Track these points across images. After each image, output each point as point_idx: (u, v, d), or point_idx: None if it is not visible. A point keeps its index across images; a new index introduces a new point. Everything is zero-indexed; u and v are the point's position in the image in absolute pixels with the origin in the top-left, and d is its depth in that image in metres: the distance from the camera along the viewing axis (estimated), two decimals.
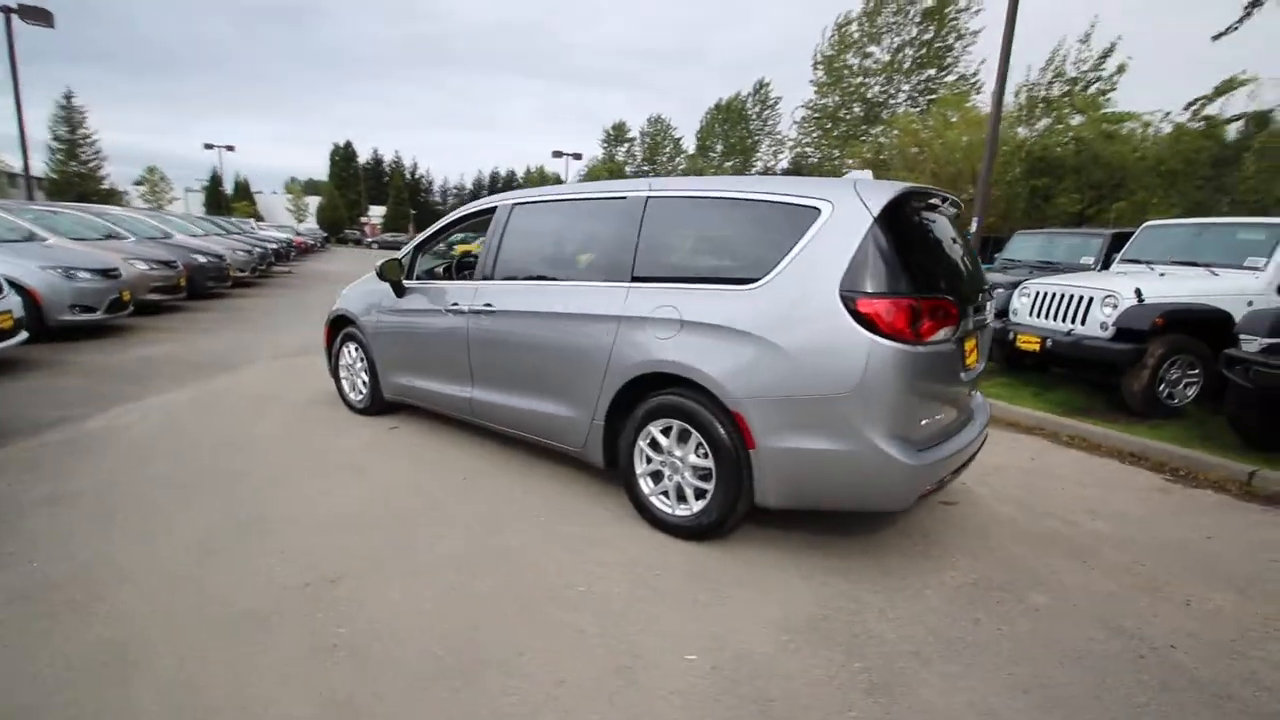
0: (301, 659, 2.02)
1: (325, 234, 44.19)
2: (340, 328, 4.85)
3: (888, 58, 33.21)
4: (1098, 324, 5.34)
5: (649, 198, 3.08)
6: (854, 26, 33.35)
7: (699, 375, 2.71)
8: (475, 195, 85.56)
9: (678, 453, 2.89)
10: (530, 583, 2.52)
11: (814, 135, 37.03)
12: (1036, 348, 5.68)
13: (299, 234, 32.50)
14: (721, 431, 2.69)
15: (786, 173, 50.01)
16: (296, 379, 5.81)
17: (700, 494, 2.85)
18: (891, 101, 33.35)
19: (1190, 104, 18.50)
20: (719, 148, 56.94)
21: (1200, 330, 5.12)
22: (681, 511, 2.91)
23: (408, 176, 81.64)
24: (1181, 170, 16.60)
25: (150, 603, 2.30)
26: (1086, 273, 6.69)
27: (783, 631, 2.26)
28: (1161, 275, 5.70)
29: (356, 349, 4.70)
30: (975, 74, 31.59)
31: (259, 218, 42.98)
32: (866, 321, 2.39)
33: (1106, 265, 7.38)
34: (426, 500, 3.26)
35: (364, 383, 4.70)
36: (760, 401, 2.57)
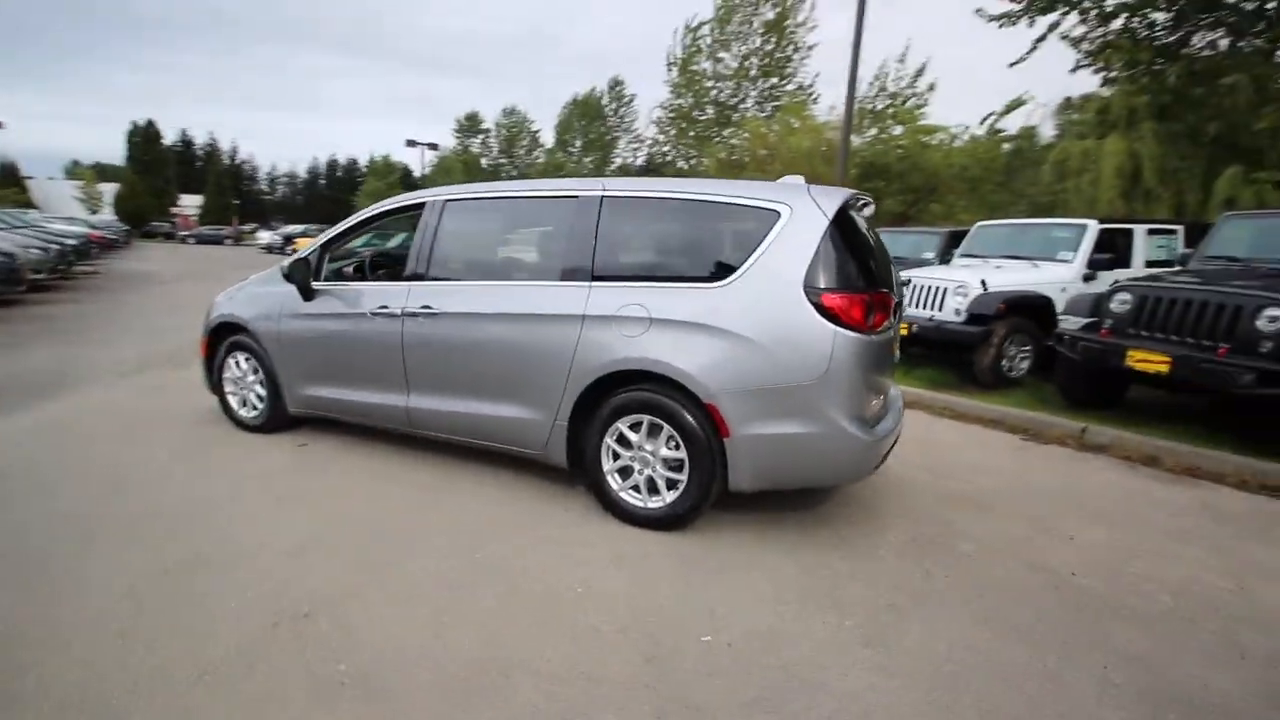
0: (309, 701, 1.85)
1: (127, 227, 37.92)
2: (223, 337, 4.30)
3: (736, 64, 35.27)
4: (953, 310, 6.20)
5: (604, 197, 3.11)
6: (705, 30, 35.01)
7: (672, 370, 2.80)
8: (312, 184, 78.18)
9: (648, 447, 2.97)
10: (529, 590, 2.47)
11: (671, 135, 38.40)
12: (906, 332, 6.47)
13: (94, 227, 27.62)
14: (694, 423, 2.82)
15: (643, 169, 51.55)
16: (160, 397, 5.07)
17: (672, 485, 2.96)
18: (741, 106, 35.43)
19: (984, 119, 21.78)
20: (578, 143, 57.09)
21: (1030, 313, 6.14)
22: (654, 504, 3.00)
23: (227, 162, 72.66)
24: (980, 176, 19.48)
25: (95, 668, 1.96)
26: (937, 266, 7.69)
27: (777, 603, 2.44)
28: (998, 268, 6.74)
29: (248, 360, 4.21)
30: (811, 85, 34.58)
31: (31, 207, 35.86)
32: (830, 314, 2.64)
33: (944, 260, 8.53)
34: (382, 521, 3.05)
35: (259, 397, 4.23)
36: (734, 392, 2.72)
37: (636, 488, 3.04)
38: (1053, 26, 11.09)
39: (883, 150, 20.74)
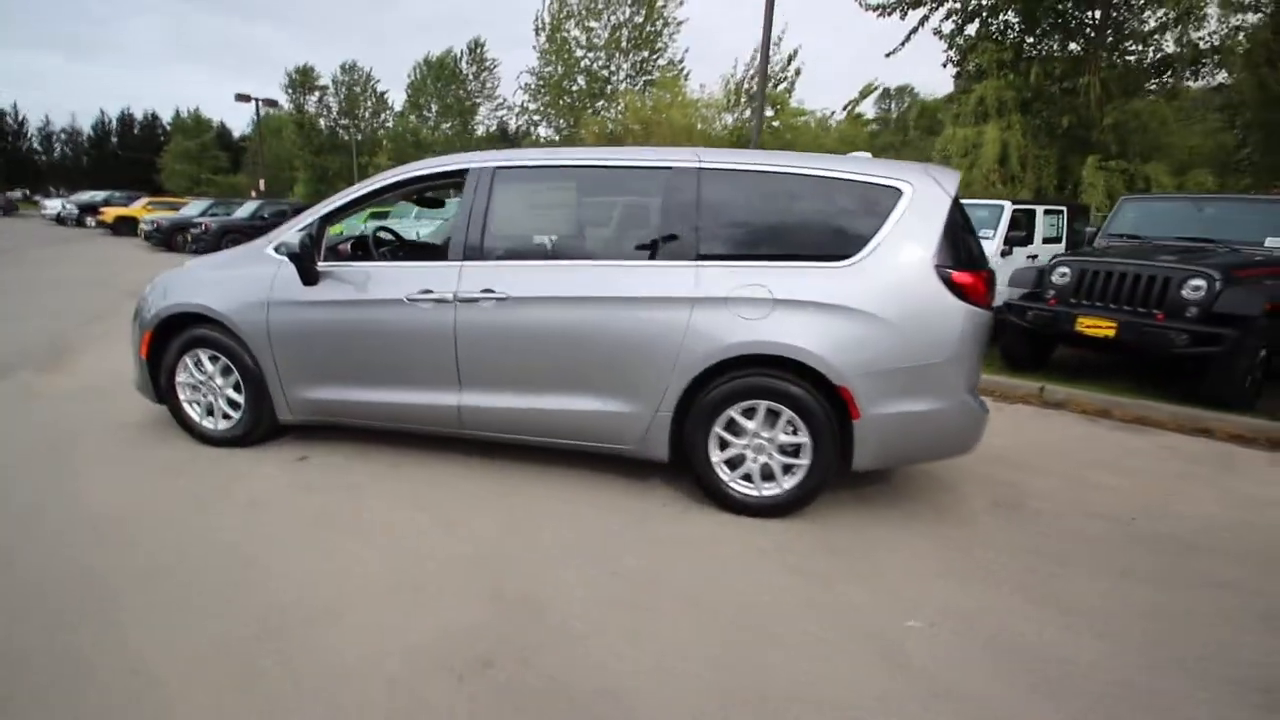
0: None
1: None
2: (175, 332, 3.47)
3: (607, 34, 34.74)
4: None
5: (702, 169, 2.89)
6: None
7: (802, 354, 2.70)
8: (100, 143, 65.53)
9: (765, 434, 2.86)
10: (706, 604, 2.28)
11: (541, 104, 37.12)
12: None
13: None
14: (819, 407, 2.75)
15: (502, 138, 49.49)
16: (49, 410, 4.01)
17: (788, 470, 2.88)
18: (615, 78, 35.09)
19: (846, 104, 23.62)
20: (434, 107, 53.35)
21: None
22: (769, 491, 2.90)
23: None
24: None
25: None
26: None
27: (951, 578, 2.48)
28: None
29: (214, 359, 3.44)
30: (682, 61, 35.06)
31: None
32: (960, 291, 2.68)
33: None
34: (477, 546, 2.65)
35: (231, 404, 3.48)
36: (866, 374, 2.69)
37: (749, 476, 2.92)
38: (923, 20, 12.15)
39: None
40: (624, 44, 35.56)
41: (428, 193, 3.93)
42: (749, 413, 2.86)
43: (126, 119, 65.75)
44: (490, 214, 3.06)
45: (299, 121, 53.07)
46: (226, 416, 3.52)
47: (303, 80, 54.74)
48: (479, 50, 50.63)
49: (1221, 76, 12.00)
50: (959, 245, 2.75)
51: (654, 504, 3.04)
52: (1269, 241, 5.45)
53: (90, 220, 26.02)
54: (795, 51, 24.24)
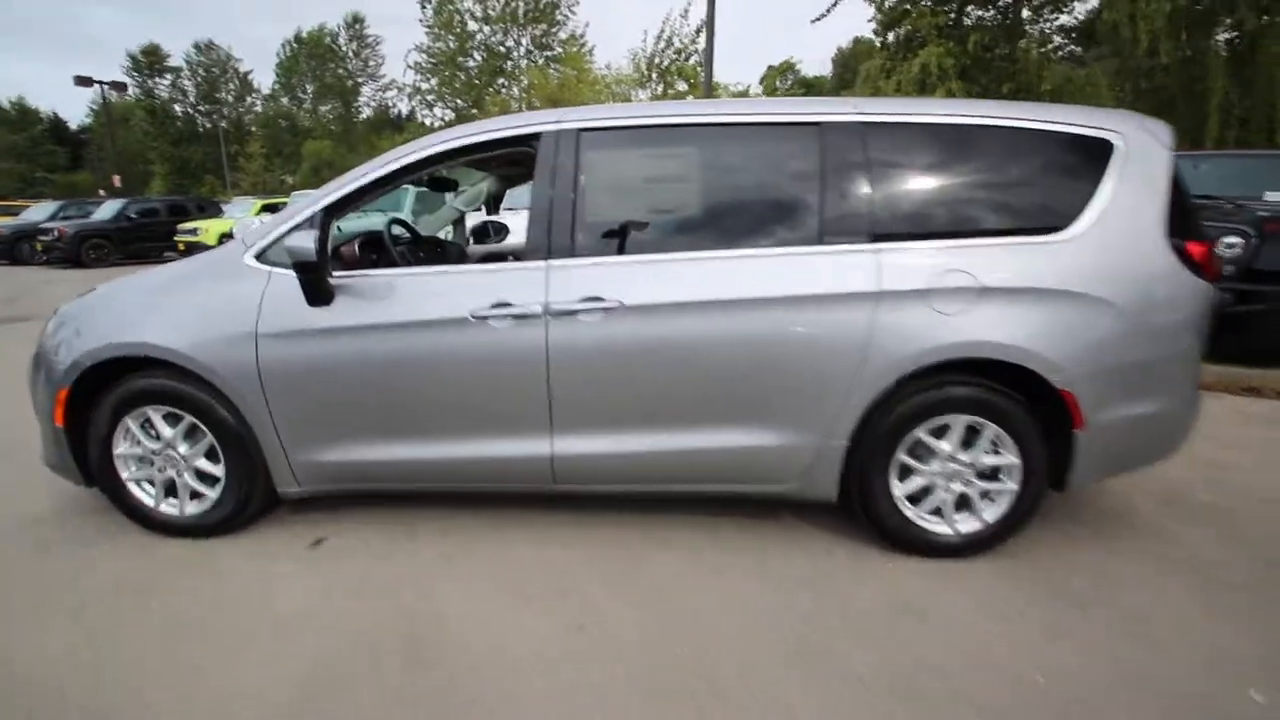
0: None
1: None
2: (106, 384, 2.42)
3: (501, 3, 32.83)
4: None
5: (866, 123, 2.22)
6: None
7: (1020, 354, 2.13)
8: None
9: (963, 457, 2.28)
10: (964, 685, 1.69)
11: (435, 83, 34.65)
12: None
13: None
14: (1031, 419, 2.21)
15: (385, 118, 45.61)
16: None
17: (986, 498, 2.33)
18: (515, 53, 33.31)
19: (762, 78, 23.53)
20: (309, 89, 48.91)
21: None
22: (966, 526, 2.34)
23: None
24: None
25: None
26: None
27: (1223, 621, 2.02)
28: None
29: (171, 418, 2.43)
30: (583, 35, 33.76)
31: None
32: (1195, 266, 2.20)
33: None
34: (630, 658, 1.90)
35: (201, 476, 2.49)
36: (1094, 373, 2.16)
37: (937, 510, 2.35)
38: None
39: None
40: (520, 17, 33.83)
41: (444, 170, 3.02)
42: (939, 432, 2.28)
43: None
44: (581, 193, 2.25)
45: (150, 108, 47.10)
46: (197, 496, 2.52)
47: (150, 62, 48.36)
48: (358, 26, 46.76)
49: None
50: (1188, 209, 2.27)
51: (817, 555, 2.40)
52: (1268, 195, 5.52)
53: None
54: (702, 24, 23.84)
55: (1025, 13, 11.95)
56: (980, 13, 11.80)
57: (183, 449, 2.47)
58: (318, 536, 2.54)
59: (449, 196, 3.73)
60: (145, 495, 2.54)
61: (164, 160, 45.95)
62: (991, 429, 2.24)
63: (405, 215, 9.75)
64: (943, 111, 2.26)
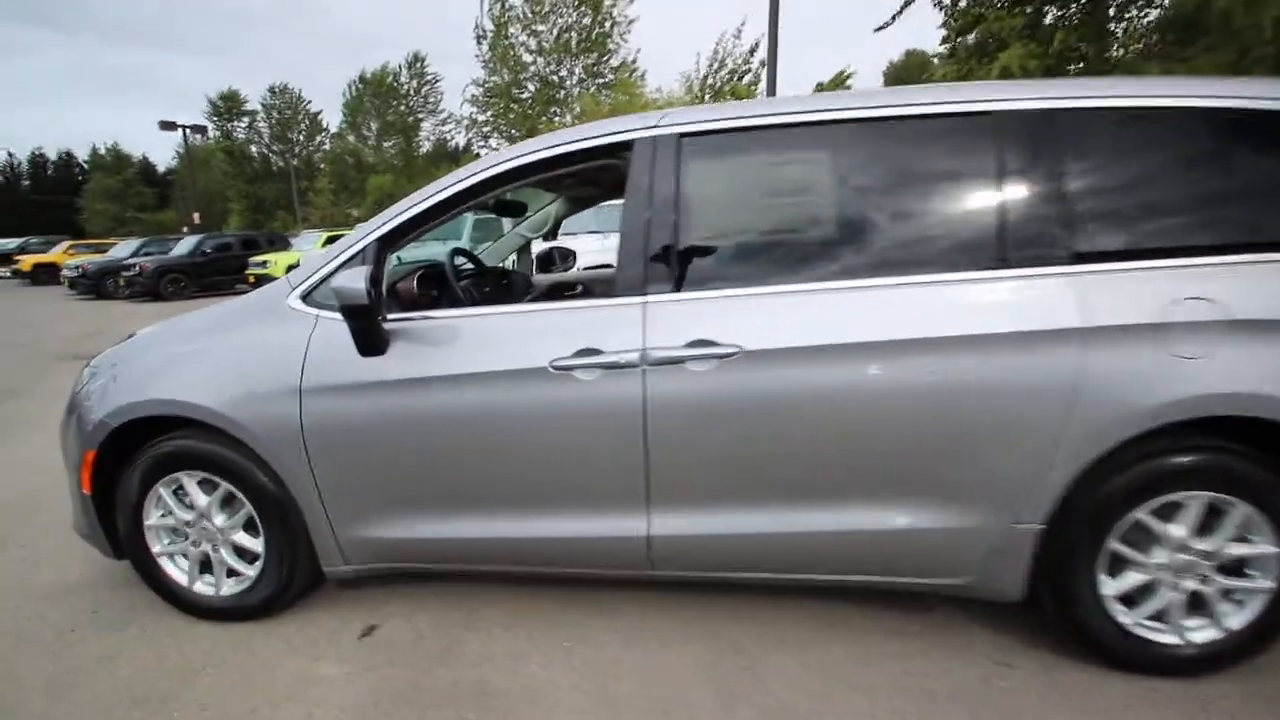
0: None
1: None
2: (138, 445, 2.11)
3: (554, 37, 33.44)
4: None
5: (1051, 109, 1.71)
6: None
7: None
8: (11, 185, 60.39)
9: (1200, 545, 1.70)
10: None
11: (490, 114, 35.49)
12: None
13: None
14: None
15: (442, 157, 47.11)
16: None
17: (1228, 597, 1.73)
18: (567, 83, 33.81)
19: (814, 92, 22.99)
20: (373, 126, 51.18)
21: None
22: (1203, 636, 1.74)
23: None
24: None
25: None
26: None
27: None
28: None
29: (207, 485, 2.11)
30: (634, 61, 33.97)
31: None
32: None
33: None
34: None
35: (239, 551, 2.15)
36: None
37: (1162, 615, 1.76)
38: None
39: None
40: (573, 47, 34.35)
41: (510, 193, 2.64)
42: (1167, 512, 1.70)
43: (38, 160, 60.93)
44: (685, 211, 1.81)
45: (228, 149, 50.25)
46: (235, 574, 2.17)
47: (228, 106, 51.66)
48: (419, 64, 48.74)
49: None
50: None
51: (989, 669, 1.84)
52: None
53: (4, 270, 23.32)
54: (756, 44, 23.52)
55: (1111, 10, 11.08)
56: (1060, 11, 10.98)
57: (219, 520, 2.13)
58: (368, 624, 2.15)
59: (507, 223, 3.38)
60: (178, 571, 2.21)
61: (241, 198, 48.74)
62: (1241, 509, 1.66)
63: (464, 244, 9.59)
64: (1162, 92, 1.72)
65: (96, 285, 15.54)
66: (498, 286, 2.89)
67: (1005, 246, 1.68)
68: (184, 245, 15.81)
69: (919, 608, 2.10)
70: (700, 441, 1.78)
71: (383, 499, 2.00)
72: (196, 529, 2.15)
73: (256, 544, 2.12)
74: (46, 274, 19.97)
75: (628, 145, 1.88)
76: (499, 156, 2.00)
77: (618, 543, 1.90)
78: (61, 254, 20.83)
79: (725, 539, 1.85)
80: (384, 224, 1.99)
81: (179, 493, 2.15)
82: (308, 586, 2.24)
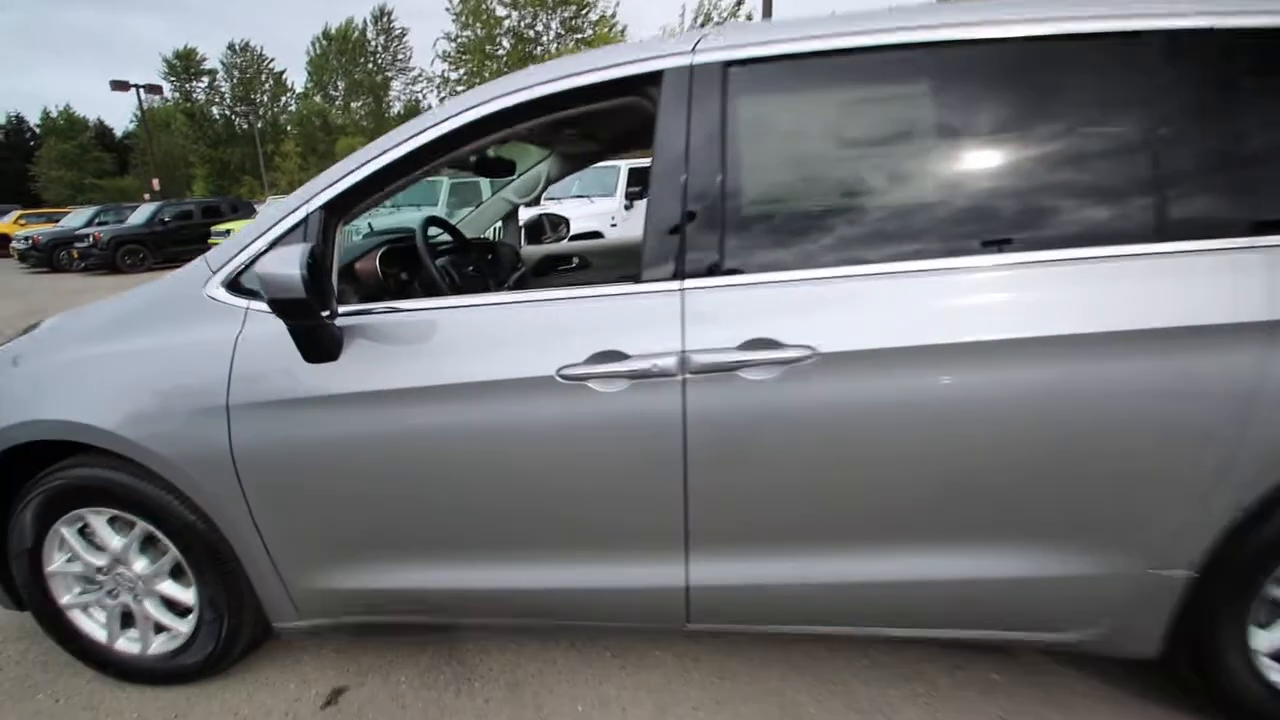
0: None
1: None
2: (31, 473, 1.65)
3: None
4: None
5: (1232, 27, 1.27)
6: None
7: None
8: None
9: None
10: None
11: (464, 71, 33.94)
12: None
13: None
14: None
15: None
16: None
17: None
18: (544, 38, 32.35)
19: None
20: (340, 85, 49.01)
21: None
22: None
23: None
24: None
25: None
26: None
27: None
28: None
29: (118, 524, 1.66)
30: (614, 15, 32.51)
31: None
32: None
33: None
34: None
35: (168, 603, 1.72)
36: None
37: None
38: None
39: None
40: (549, 0, 32.80)
41: (494, 148, 2.15)
42: None
43: None
44: (734, 165, 1.36)
45: (189, 111, 47.83)
46: (162, 629, 1.75)
47: (185, 65, 48.92)
48: (385, 19, 46.40)
49: None
50: None
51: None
52: None
53: None
54: None
55: None
56: None
57: (139, 566, 1.69)
58: (334, 686, 1.75)
59: (487, 187, 2.87)
60: (95, 626, 1.78)
61: (204, 163, 46.62)
62: None
63: (440, 211, 8.82)
64: None
65: (49, 257, 14.57)
66: (482, 263, 2.42)
67: (1165, 214, 1.26)
68: (141, 214, 14.83)
69: (1007, 656, 1.74)
70: (758, 471, 1.36)
71: (342, 542, 1.57)
72: (112, 576, 1.72)
73: (188, 595, 1.69)
74: None
75: (654, 78, 1.41)
76: (477, 96, 1.51)
77: (646, 595, 1.50)
78: (11, 224, 19.58)
79: (785, 589, 1.46)
80: (331, 185, 1.51)
81: (85, 534, 1.70)
82: (260, 638, 1.82)
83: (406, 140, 1.51)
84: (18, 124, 55.53)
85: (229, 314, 1.52)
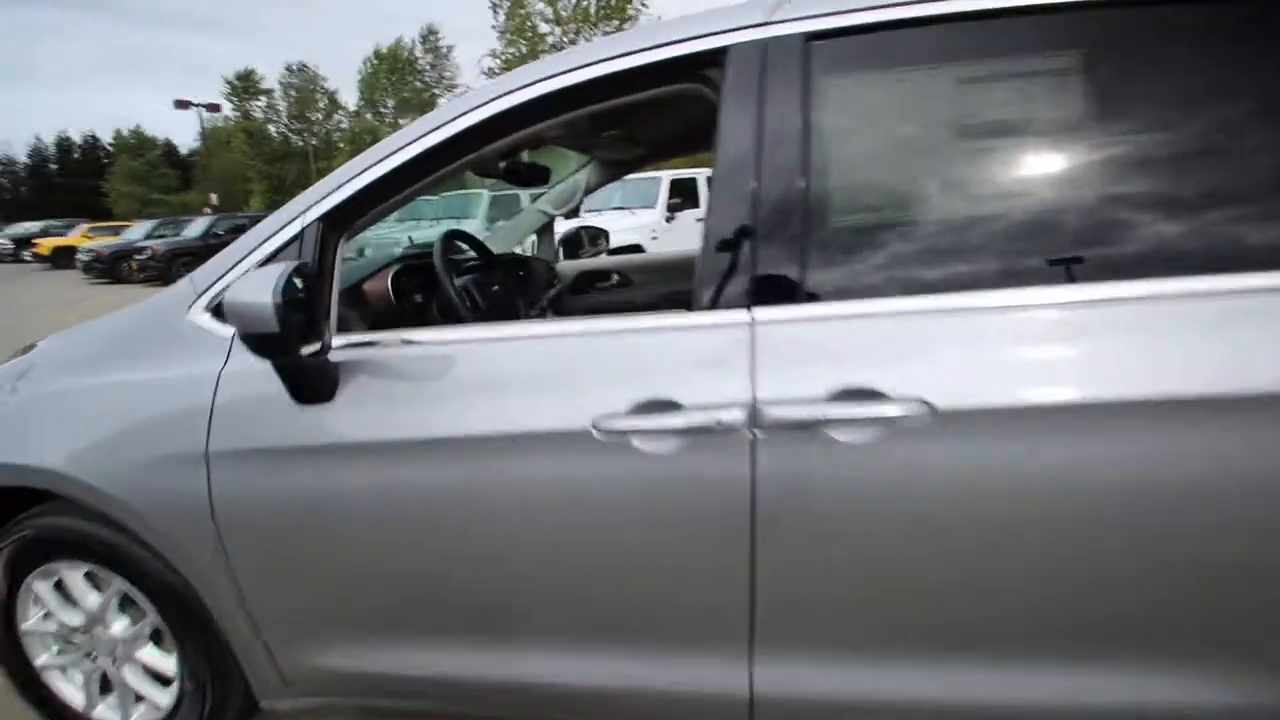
0: None
1: None
2: (7, 524, 1.47)
3: (573, 2, 32.26)
4: None
5: None
6: None
7: None
8: (39, 169, 61.27)
9: None
10: None
11: None
12: None
13: None
14: None
15: None
16: None
17: None
18: None
19: None
20: (390, 103, 50.54)
21: None
22: None
23: None
24: None
25: None
26: None
27: None
28: None
29: (94, 581, 1.45)
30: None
31: None
32: None
33: None
34: None
35: (149, 672, 1.50)
36: None
37: None
38: None
39: None
40: (592, 14, 33.16)
41: (526, 152, 1.91)
42: None
43: (64, 143, 61.46)
44: (818, 164, 1.07)
45: (248, 129, 50.00)
46: (141, 699, 1.53)
47: (245, 85, 51.28)
48: (432, 38, 47.69)
49: None
50: None
51: None
52: None
53: (27, 254, 23.25)
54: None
55: None
56: None
57: (117, 628, 1.49)
58: None
59: (524, 194, 2.64)
60: (72, 690, 1.58)
61: (261, 179, 48.56)
62: None
63: (479, 225, 8.64)
64: None
65: (111, 269, 15.19)
66: (512, 281, 2.17)
67: None
68: (196, 227, 15.37)
69: None
70: (848, 556, 1.06)
71: (338, 615, 1.32)
72: (90, 637, 1.51)
73: (169, 663, 1.48)
74: (65, 258, 19.75)
75: (716, 57, 1.13)
76: (505, 84, 1.26)
77: (700, 701, 1.20)
78: (80, 237, 20.60)
79: (878, 705, 1.14)
80: (330, 193, 1.28)
81: (59, 591, 1.50)
82: (247, 717, 1.59)
83: (421, 138, 1.27)
84: (92, 143, 59.07)
85: (212, 343, 1.30)
